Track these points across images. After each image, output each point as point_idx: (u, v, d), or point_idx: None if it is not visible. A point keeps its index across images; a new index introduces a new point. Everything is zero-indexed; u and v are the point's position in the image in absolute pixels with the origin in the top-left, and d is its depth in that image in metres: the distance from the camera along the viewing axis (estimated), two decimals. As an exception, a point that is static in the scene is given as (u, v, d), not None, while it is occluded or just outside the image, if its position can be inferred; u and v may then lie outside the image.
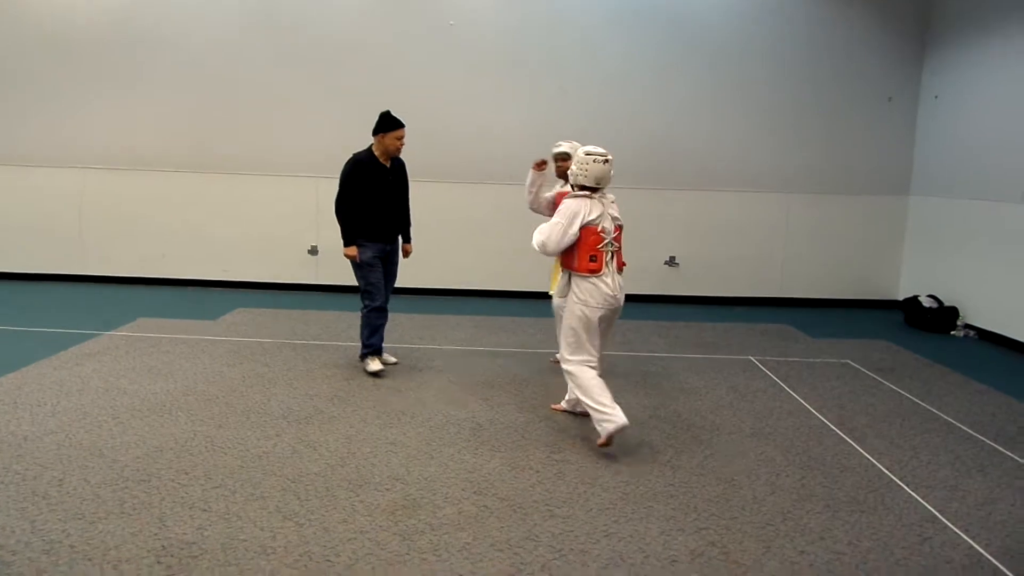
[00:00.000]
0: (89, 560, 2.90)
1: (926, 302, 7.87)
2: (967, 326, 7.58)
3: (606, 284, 4.17)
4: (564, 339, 4.31)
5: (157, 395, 4.85)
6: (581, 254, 4.16)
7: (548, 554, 3.08)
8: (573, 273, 4.24)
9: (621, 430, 4.04)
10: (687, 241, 8.64)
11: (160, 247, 8.61)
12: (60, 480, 3.58)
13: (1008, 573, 3.05)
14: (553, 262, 5.18)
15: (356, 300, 5.69)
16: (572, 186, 4.34)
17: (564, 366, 4.32)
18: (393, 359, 5.76)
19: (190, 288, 8.56)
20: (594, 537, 3.23)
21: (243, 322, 6.99)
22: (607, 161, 4.18)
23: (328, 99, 8.35)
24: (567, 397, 4.73)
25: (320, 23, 8.29)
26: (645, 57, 8.42)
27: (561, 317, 5.81)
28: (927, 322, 7.74)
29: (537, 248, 4.26)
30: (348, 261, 5.49)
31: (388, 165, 5.45)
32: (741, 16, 8.40)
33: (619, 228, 4.31)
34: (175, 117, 8.44)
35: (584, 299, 4.18)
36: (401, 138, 5.36)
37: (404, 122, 5.37)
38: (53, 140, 8.48)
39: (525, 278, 8.22)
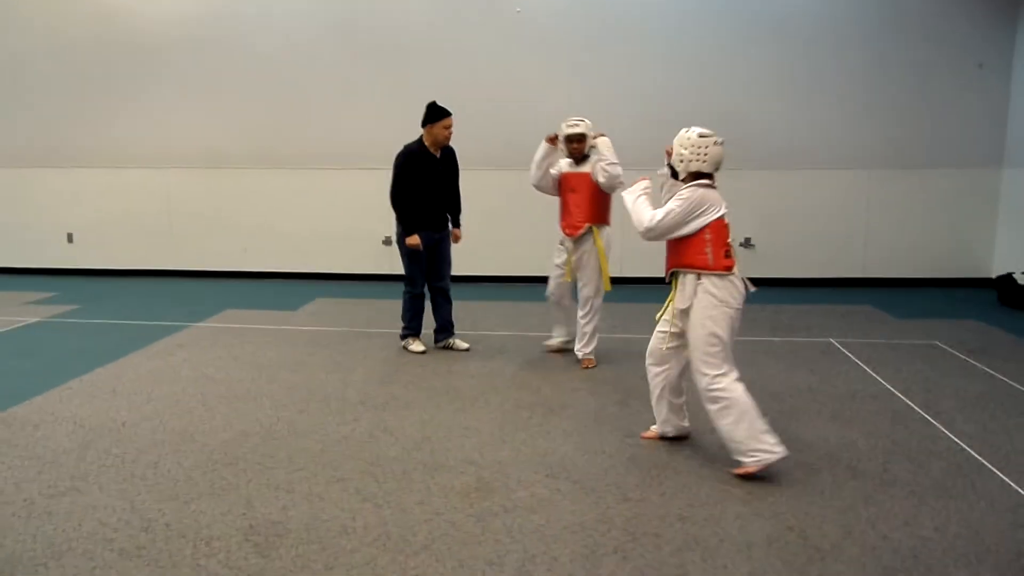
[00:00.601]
0: (183, 537, 3.07)
1: (1021, 279, 7.45)
2: (1068, 304, 7.16)
3: (740, 280, 3.68)
4: (703, 352, 3.63)
5: (243, 382, 5.07)
6: (716, 250, 3.63)
7: (621, 536, 3.08)
8: (705, 273, 3.65)
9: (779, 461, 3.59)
10: (763, 222, 8.42)
11: (241, 241, 8.96)
12: (155, 463, 3.79)
13: (1111, 562, 2.89)
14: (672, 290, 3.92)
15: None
16: (673, 173, 3.80)
17: (710, 386, 3.63)
18: (465, 345, 5.89)
19: (271, 280, 8.87)
20: (668, 520, 3.22)
21: (322, 312, 7.22)
22: (722, 143, 3.70)
23: (395, 92, 8.48)
24: (661, 421, 4.06)
25: (386, 18, 8.44)
26: (709, 32, 8.23)
27: (560, 303, 5.64)
28: (1022, 300, 7.34)
29: (641, 229, 3.73)
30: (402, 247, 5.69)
31: (438, 155, 5.55)
32: (817, -13, 8.10)
33: None
34: (251, 117, 8.76)
35: (725, 299, 3.61)
36: (449, 127, 5.43)
37: (451, 111, 5.45)
38: (141, 142, 8.92)
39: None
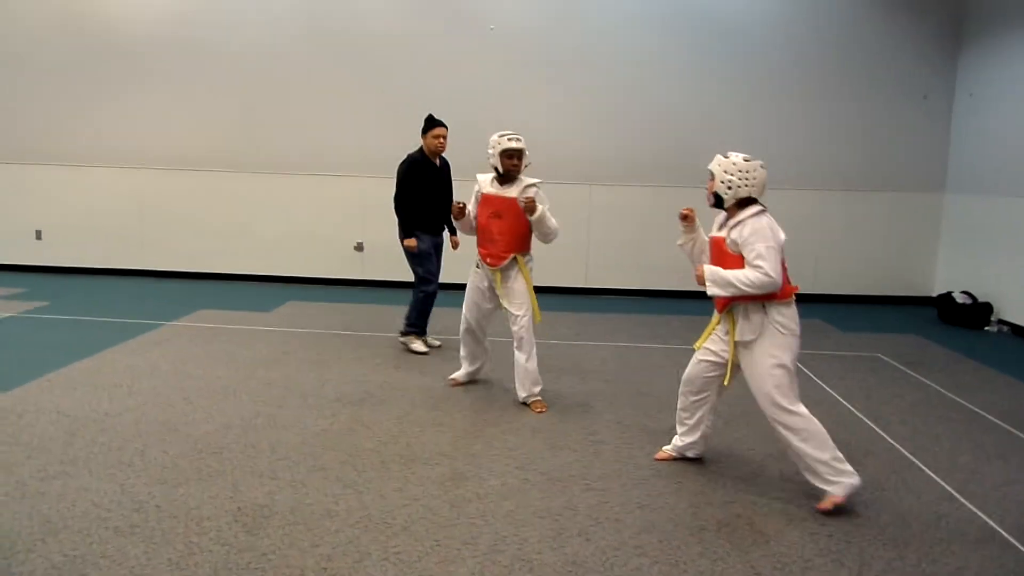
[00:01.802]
0: (174, 517, 3.26)
1: (960, 298, 7.95)
2: (1000, 322, 7.66)
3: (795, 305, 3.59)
4: (776, 384, 3.48)
5: (221, 379, 5.23)
6: (784, 277, 3.51)
7: (586, 521, 3.35)
8: (771, 304, 3.51)
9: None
10: (721, 238, 8.81)
11: (213, 243, 9.06)
12: (142, 451, 3.95)
13: (1020, 547, 3.25)
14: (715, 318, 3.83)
15: (401, 294, 6.04)
16: (719, 203, 3.66)
17: (789, 418, 3.49)
18: (437, 342, 6.24)
19: (241, 282, 8.98)
20: (628, 508, 3.50)
21: (295, 314, 7.38)
22: (765, 167, 3.62)
23: (371, 101, 8.71)
24: (686, 444, 4.01)
25: (363, 26, 8.65)
26: (676, 57, 8.62)
27: (477, 331, 5.08)
28: (960, 318, 7.83)
29: (759, 290, 3.42)
30: (400, 254, 6.01)
31: (437, 163, 5.93)
32: (774, 15, 8.56)
33: None
34: (225, 119, 8.89)
35: (792, 328, 3.51)
36: (438, 136, 5.79)
37: (445, 123, 5.86)
38: (112, 142, 8.98)
39: (585, 275, 8.49)
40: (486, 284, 4.97)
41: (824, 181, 8.78)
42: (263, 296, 8.20)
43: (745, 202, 3.59)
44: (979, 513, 3.55)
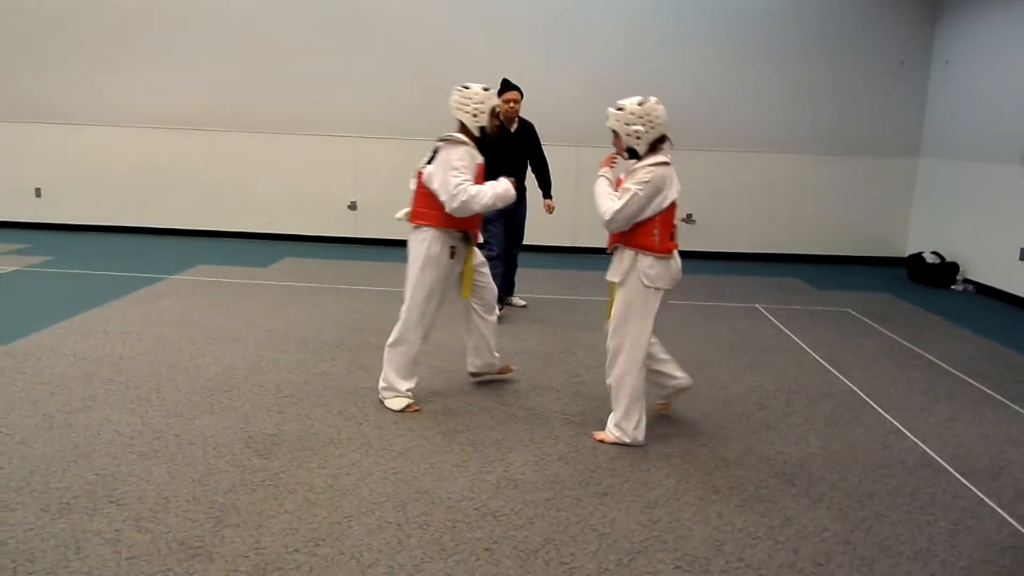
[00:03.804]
0: (192, 444, 3.59)
1: (929, 258, 8.32)
2: (966, 280, 8.04)
3: (676, 260, 3.71)
4: (615, 326, 3.73)
5: (225, 327, 5.53)
6: (663, 232, 3.61)
7: (565, 448, 3.71)
8: (642, 252, 3.62)
9: None
10: (704, 200, 9.09)
11: (210, 202, 9.29)
12: (157, 389, 4.27)
13: (951, 470, 3.64)
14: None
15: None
16: (635, 155, 3.66)
17: (617, 358, 3.74)
18: (522, 302, 6.44)
19: (237, 239, 9.24)
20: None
21: (292, 270, 7.67)
22: (657, 100, 3.62)
23: (365, 63, 8.89)
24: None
25: (359, -10, 8.82)
26: (660, 26, 8.84)
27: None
28: (929, 277, 8.21)
29: (604, 217, 3.61)
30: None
31: (512, 129, 5.90)
32: (759, -17, 8.78)
33: None
34: (223, 80, 9.06)
35: (657, 283, 3.63)
36: (508, 101, 5.70)
37: (518, 86, 5.80)
38: (111, 100, 9.14)
39: (572, 235, 8.80)
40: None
41: (803, 145, 9.08)
42: (260, 253, 8.47)
43: (657, 144, 3.63)
44: (920, 444, 3.93)
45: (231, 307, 6.09)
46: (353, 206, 9.21)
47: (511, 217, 5.99)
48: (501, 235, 5.91)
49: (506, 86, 5.78)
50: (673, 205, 3.64)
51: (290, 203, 9.28)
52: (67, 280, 6.86)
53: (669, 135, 3.68)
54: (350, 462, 3.47)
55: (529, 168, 6.22)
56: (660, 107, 3.62)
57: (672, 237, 3.66)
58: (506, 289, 6.21)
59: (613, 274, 3.76)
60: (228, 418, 3.91)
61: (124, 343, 5.05)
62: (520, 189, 5.71)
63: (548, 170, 6.31)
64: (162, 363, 4.70)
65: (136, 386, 4.30)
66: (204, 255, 8.19)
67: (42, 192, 9.41)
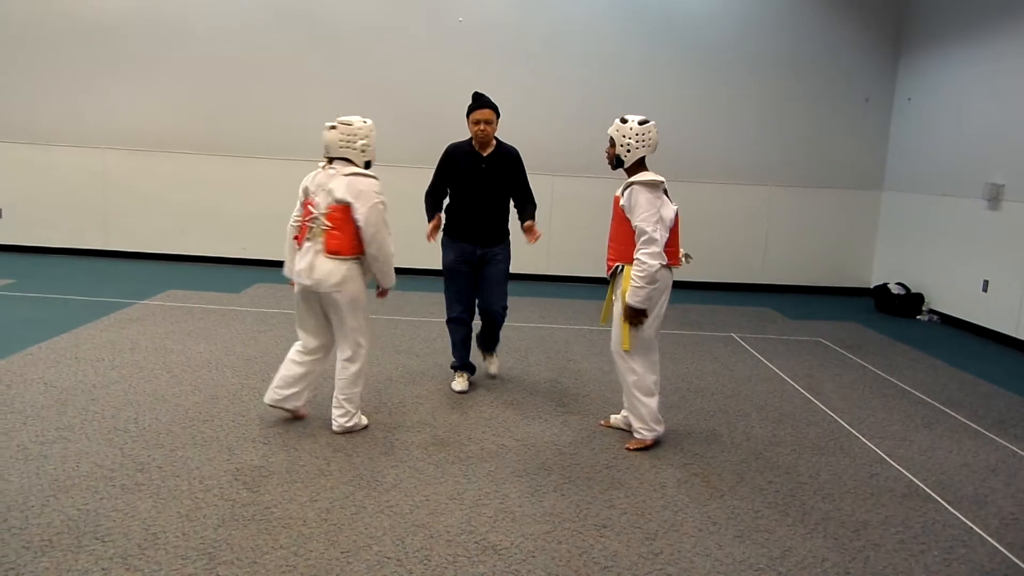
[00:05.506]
0: (177, 476, 3.47)
1: (895, 289, 8.53)
2: (931, 311, 8.26)
3: (671, 273, 4.18)
4: (619, 332, 4.08)
5: (201, 354, 5.40)
6: (670, 247, 4.04)
7: (559, 479, 3.68)
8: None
9: None
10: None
11: (179, 225, 9.11)
12: (135, 419, 4.14)
13: (938, 499, 3.69)
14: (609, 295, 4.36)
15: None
16: (619, 165, 4.04)
17: (620, 363, 4.13)
18: (495, 370, 5.20)
19: (207, 264, 9.07)
20: (596, 468, 3.84)
21: (264, 295, 7.54)
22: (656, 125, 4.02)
23: (338, 88, 8.86)
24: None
25: (332, 13, 8.81)
26: (635, 57, 9.00)
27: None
28: (895, 307, 8.41)
29: (655, 248, 3.90)
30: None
31: (485, 154, 4.70)
32: (729, 16, 9.01)
33: None
34: (191, 101, 8.94)
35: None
36: (478, 122, 4.56)
37: (491, 103, 4.63)
38: (76, 121, 8.95)
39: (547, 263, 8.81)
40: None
41: (773, 177, 9.29)
42: (231, 277, 8.32)
43: (639, 165, 4.02)
44: (905, 472, 3.99)
45: (206, 334, 5.95)
46: (327, 231, 9.09)
47: (482, 268, 4.76)
48: (461, 293, 4.80)
49: (472, 104, 4.63)
50: (676, 220, 4.08)
51: (261, 227, 9.14)
52: (32, 304, 6.64)
53: (647, 159, 4.06)
54: (342, 495, 3.39)
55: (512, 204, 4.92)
56: (655, 132, 4.04)
57: (676, 253, 4.11)
58: (486, 346, 5.17)
59: (621, 293, 4.01)
60: (212, 449, 3.80)
61: (97, 370, 4.90)
62: (499, 232, 4.78)
63: (533, 206, 4.87)
64: (138, 391, 4.56)
65: (113, 416, 4.16)
66: (174, 280, 8.01)
67: (3, 213, 9.13)
